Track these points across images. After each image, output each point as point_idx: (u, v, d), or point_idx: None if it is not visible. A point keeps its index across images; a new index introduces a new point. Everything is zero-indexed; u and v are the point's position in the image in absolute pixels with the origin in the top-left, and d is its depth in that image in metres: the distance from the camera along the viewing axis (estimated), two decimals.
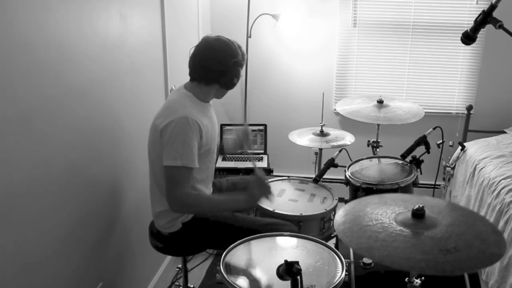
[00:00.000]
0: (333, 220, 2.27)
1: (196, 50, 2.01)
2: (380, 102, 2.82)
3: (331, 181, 3.11)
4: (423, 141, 2.57)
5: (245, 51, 2.07)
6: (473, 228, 1.36)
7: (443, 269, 1.18)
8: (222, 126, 3.50)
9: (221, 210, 2.04)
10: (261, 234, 1.80)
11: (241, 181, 2.33)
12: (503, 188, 2.63)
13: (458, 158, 3.44)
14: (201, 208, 1.98)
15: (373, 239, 1.29)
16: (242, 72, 2.09)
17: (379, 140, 2.89)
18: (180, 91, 2.04)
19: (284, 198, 2.28)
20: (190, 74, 2.05)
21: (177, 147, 1.86)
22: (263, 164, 3.34)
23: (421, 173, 2.56)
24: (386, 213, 1.43)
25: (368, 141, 2.92)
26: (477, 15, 1.76)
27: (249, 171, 2.60)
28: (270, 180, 2.44)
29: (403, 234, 1.31)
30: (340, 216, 1.46)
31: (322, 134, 2.77)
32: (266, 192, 1.99)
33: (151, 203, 2.10)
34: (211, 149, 2.04)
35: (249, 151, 3.47)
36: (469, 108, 3.65)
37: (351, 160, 2.69)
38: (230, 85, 2.03)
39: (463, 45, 1.90)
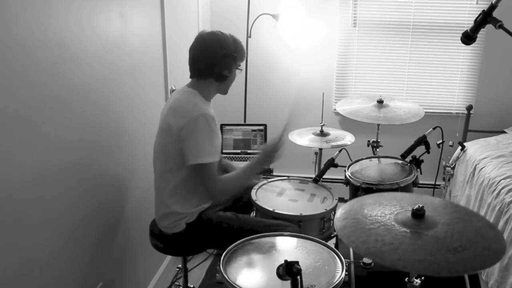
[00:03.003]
0: (333, 220, 2.27)
1: (190, 46, 2.05)
2: (380, 102, 2.82)
3: (331, 181, 3.11)
4: (423, 141, 2.57)
5: (243, 46, 2.10)
6: (471, 225, 1.36)
7: (455, 270, 1.19)
8: (222, 126, 3.50)
9: (250, 178, 2.21)
10: (261, 234, 1.80)
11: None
12: (503, 188, 2.63)
13: (458, 158, 3.44)
14: (236, 186, 2.06)
15: (380, 243, 1.29)
16: (242, 72, 2.10)
17: (379, 140, 2.89)
18: (185, 90, 2.05)
19: (284, 198, 2.28)
20: (190, 71, 2.07)
21: (204, 144, 1.90)
22: None
23: (421, 173, 2.56)
24: (385, 214, 1.43)
25: (368, 141, 2.92)
26: (477, 15, 1.76)
27: None
28: (270, 180, 2.44)
29: (408, 236, 1.30)
30: (339, 219, 1.45)
31: (322, 134, 2.77)
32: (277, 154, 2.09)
33: (155, 204, 2.10)
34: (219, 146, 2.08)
35: (249, 151, 3.48)
36: (469, 108, 3.66)
37: (351, 160, 2.69)
38: (222, 77, 2.03)
39: (463, 45, 1.90)
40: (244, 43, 3.62)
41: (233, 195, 2.18)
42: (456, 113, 3.79)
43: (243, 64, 2.16)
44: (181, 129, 1.90)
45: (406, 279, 1.53)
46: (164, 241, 2.08)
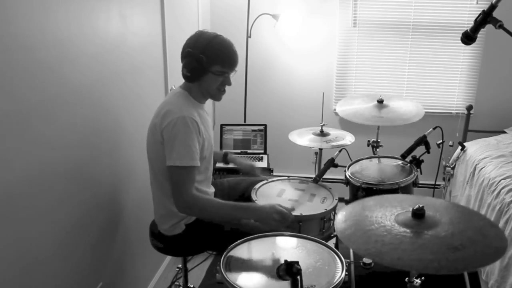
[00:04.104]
0: (333, 220, 2.27)
1: None
2: (380, 101, 2.81)
3: (331, 181, 3.10)
4: (423, 141, 2.56)
5: (227, 50, 1.96)
6: (472, 224, 1.36)
7: (455, 268, 1.18)
8: (222, 126, 3.50)
9: (229, 219, 1.98)
10: (261, 234, 1.80)
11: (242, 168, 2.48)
12: (503, 188, 2.63)
13: (458, 158, 3.44)
14: (209, 213, 1.93)
15: (380, 243, 1.29)
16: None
17: (379, 140, 2.89)
18: (176, 90, 2.06)
19: (284, 198, 2.28)
20: None
21: (178, 147, 1.86)
22: (263, 164, 3.34)
23: (421, 173, 2.56)
24: (386, 215, 1.43)
25: (368, 141, 2.92)
26: (477, 15, 1.76)
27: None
28: (270, 180, 2.44)
29: (408, 236, 1.30)
30: (340, 221, 1.45)
31: (322, 134, 2.77)
32: (282, 223, 1.92)
33: (153, 205, 2.10)
34: (208, 150, 2.04)
35: (249, 150, 3.48)
36: (469, 108, 3.66)
37: (351, 160, 2.68)
38: (185, 77, 1.97)
39: (463, 45, 1.90)
40: (244, 43, 3.66)
41: (205, 219, 2.03)
42: (456, 113, 3.79)
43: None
44: (162, 130, 1.90)
45: (406, 279, 1.53)
46: (164, 242, 2.08)
